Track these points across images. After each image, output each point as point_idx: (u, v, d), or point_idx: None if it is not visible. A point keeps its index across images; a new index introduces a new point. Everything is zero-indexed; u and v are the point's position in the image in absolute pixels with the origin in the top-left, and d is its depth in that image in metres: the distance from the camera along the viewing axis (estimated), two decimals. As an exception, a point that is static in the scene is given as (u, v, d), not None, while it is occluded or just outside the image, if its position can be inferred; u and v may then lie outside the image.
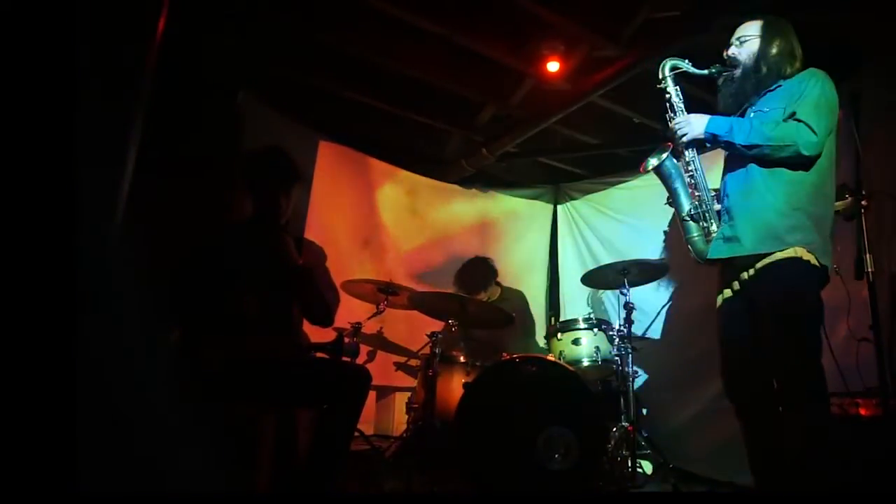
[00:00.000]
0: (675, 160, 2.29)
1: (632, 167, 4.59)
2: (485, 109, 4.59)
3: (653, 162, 2.29)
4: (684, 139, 2.24)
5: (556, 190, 5.49)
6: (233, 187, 3.52)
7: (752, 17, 2.29)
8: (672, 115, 2.31)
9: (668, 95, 2.32)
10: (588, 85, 3.88)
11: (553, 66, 3.78)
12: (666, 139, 2.35)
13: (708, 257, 2.17)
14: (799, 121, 2.01)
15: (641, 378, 3.46)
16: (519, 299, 4.16)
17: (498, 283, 4.23)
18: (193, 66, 3.06)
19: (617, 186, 4.93)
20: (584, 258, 5.10)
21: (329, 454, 2.25)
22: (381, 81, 4.23)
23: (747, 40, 2.24)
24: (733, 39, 2.29)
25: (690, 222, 2.22)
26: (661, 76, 2.33)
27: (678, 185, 2.27)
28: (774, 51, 2.20)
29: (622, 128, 4.58)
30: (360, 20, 3.67)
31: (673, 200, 2.29)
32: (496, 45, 3.78)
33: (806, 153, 1.99)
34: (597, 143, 4.91)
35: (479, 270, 4.14)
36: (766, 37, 2.22)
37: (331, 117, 4.48)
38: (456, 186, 5.18)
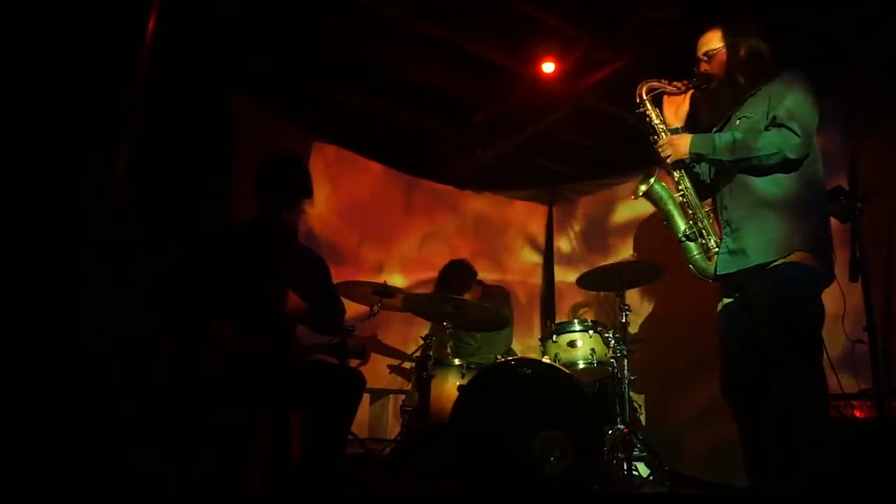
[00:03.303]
0: (663, 182, 2.29)
1: (627, 168, 4.59)
2: (480, 110, 4.58)
3: (642, 188, 2.30)
4: (668, 161, 2.24)
5: (552, 191, 5.48)
6: (229, 188, 3.52)
7: (710, 28, 2.27)
8: (655, 137, 2.30)
9: (648, 119, 2.30)
10: (583, 86, 3.88)
11: (548, 68, 3.78)
12: (653, 163, 2.35)
13: (718, 273, 2.15)
14: (780, 126, 2.01)
15: (637, 380, 3.45)
16: (499, 297, 4.12)
17: (479, 283, 4.22)
18: (185, 67, 3.04)
19: (612, 188, 4.92)
20: (579, 260, 5.09)
21: (322, 457, 2.23)
22: (376, 82, 4.21)
23: (714, 53, 2.23)
24: (700, 55, 2.27)
25: (688, 242, 2.21)
26: (638, 100, 2.30)
27: (671, 207, 2.26)
28: (743, 57, 2.18)
29: (618, 129, 4.57)
30: (353, 20, 3.66)
31: (668, 222, 2.28)
32: (492, 46, 3.78)
33: (793, 157, 2.00)
34: (592, 145, 4.90)
35: (460, 273, 4.10)
36: (731, 45, 2.20)
37: (325, 118, 4.47)
38: (451, 188, 5.17)
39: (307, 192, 2.52)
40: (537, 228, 5.46)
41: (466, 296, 3.98)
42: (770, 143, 2.00)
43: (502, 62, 3.88)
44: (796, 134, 1.98)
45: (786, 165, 2.02)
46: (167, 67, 2.29)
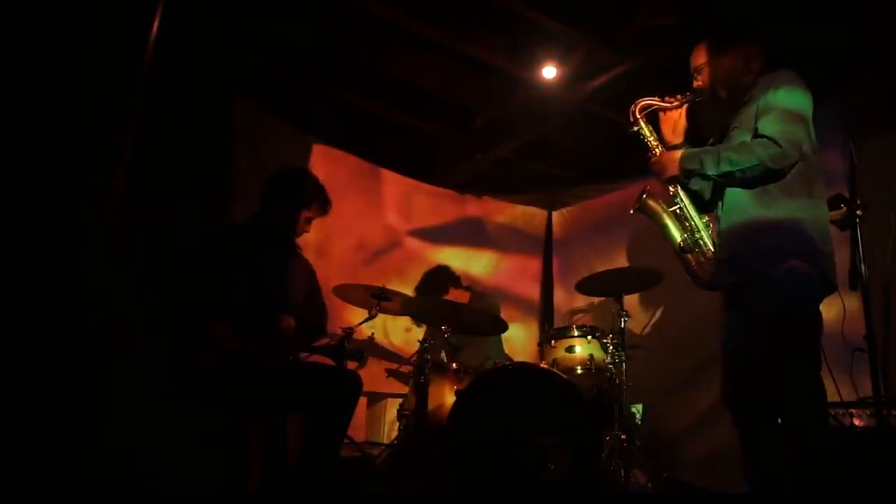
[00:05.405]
0: (656, 197, 2.31)
1: (627, 173, 4.59)
2: (480, 114, 4.58)
3: (637, 205, 2.33)
4: (661, 178, 2.26)
5: (551, 196, 5.48)
6: (229, 188, 3.52)
7: (699, 43, 2.28)
8: (650, 154, 2.31)
9: (642, 137, 2.31)
10: (584, 91, 3.89)
11: (549, 72, 3.78)
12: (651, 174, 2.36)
13: (713, 284, 2.16)
14: (762, 136, 1.99)
15: (636, 387, 3.44)
16: (486, 303, 4.10)
17: (468, 289, 4.20)
18: (187, 68, 3.04)
19: (612, 192, 4.92)
20: (578, 265, 5.09)
21: (319, 458, 2.23)
22: (377, 85, 4.22)
23: (701, 69, 2.24)
24: (692, 70, 2.29)
25: (684, 254, 2.22)
26: (632, 119, 2.31)
27: (666, 220, 2.28)
28: (725, 71, 2.18)
29: (618, 134, 4.57)
30: (355, 24, 3.66)
31: (665, 235, 2.29)
32: (493, 50, 3.78)
33: (775, 167, 1.97)
34: (592, 149, 4.90)
35: (434, 277, 4.13)
36: (714, 60, 2.21)
37: (325, 120, 4.47)
38: (450, 192, 5.16)
39: (324, 205, 2.62)
40: (537, 233, 5.46)
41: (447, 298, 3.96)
42: (751, 154, 1.98)
43: (503, 66, 3.88)
44: (777, 144, 1.95)
45: (769, 176, 2.00)
46: (168, 67, 2.29)
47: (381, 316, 3.50)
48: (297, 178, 2.62)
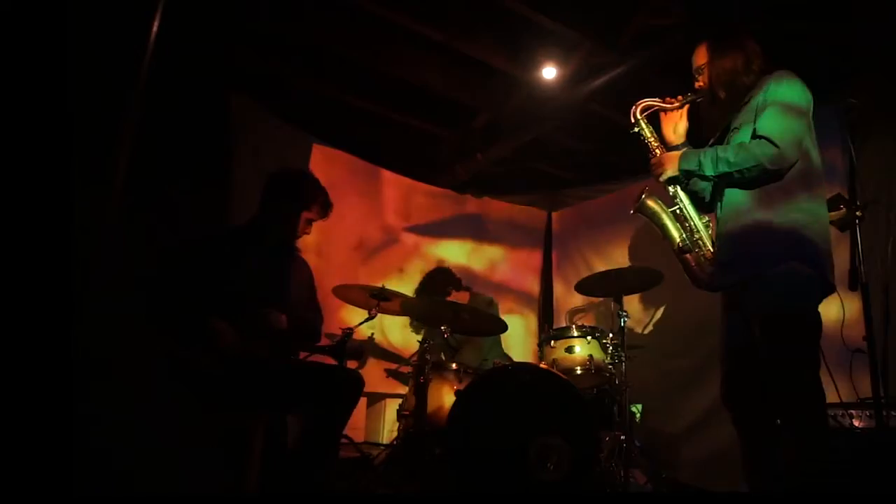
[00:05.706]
0: (656, 197, 2.31)
1: (627, 174, 4.59)
2: (480, 115, 4.58)
3: (636, 206, 2.34)
4: (661, 179, 2.27)
5: (551, 196, 5.48)
6: (228, 188, 3.52)
7: (700, 43, 2.28)
8: (650, 155, 2.32)
9: (642, 138, 2.32)
10: (584, 91, 3.89)
11: (549, 73, 3.78)
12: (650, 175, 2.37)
13: (713, 284, 2.16)
14: (759, 136, 1.99)
15: (635, 387, 3.44)
16: (485, 306, 4.11)
17: (467, 289, 4.20)
18: (187, 68, 3.04)
19: (612, 193, 4.92)
20: (578, 265, 5.09)
21: (318, 456, 2.23)
22: (377, 85, 4.22)
23: (702, 70, 2.25)
24: (693, 71, 2.29)
25: (684, 255, 2.22)
26: (633, 120, 2.32)
27: (665, 221, 2.28)
28: (724, 72, 2.18)
29: (617, 134, 4.58)
30: (355, 23, 3.67)
31: (665, 236, 2.29)
32: (493, 50, 3.78)
33: (772, 168, 1.97)
34: (592, 150, 4.90)
35: (434, 279, 4.13)
36: (714, 61, 2.21)
37: (325, 120, 4.47)
38: (449, 192, 5.16)
39: (325, 207, 2.62)
40: (537, 232, 5.46)
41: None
42: (748, 155, 1.99)
43: (503, 66, 3.88)
44: (773, 144, 1.95)
45: (768, 176, 2.00)
46: (168, 68, 2.30)
47: (380, 316, 3.50)
48: (298, 179, 2.61)
